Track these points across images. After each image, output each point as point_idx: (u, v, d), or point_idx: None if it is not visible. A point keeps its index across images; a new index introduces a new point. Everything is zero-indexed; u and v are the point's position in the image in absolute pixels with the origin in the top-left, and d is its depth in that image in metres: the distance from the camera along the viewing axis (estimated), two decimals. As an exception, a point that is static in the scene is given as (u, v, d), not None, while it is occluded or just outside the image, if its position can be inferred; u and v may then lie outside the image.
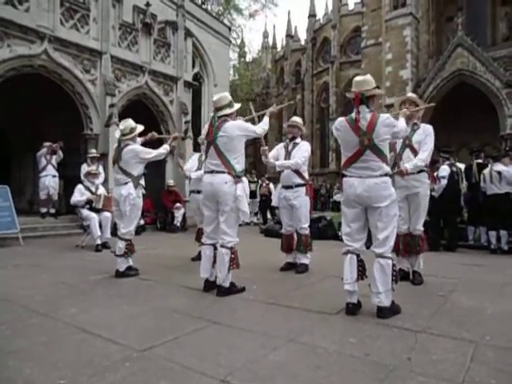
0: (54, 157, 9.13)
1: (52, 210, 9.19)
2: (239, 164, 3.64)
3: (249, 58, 38.39)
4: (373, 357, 2.21)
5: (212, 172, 3.62)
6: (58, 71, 9.19)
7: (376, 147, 2.95)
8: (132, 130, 4.59)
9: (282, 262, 4.92)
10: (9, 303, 3.34)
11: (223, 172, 3.57)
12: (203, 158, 4.11)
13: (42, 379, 1.96)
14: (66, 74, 9.33)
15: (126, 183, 4.44)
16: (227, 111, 3.69)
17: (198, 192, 5.01)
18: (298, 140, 4.79)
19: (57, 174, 9.12)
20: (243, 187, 3.61)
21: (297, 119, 5.01)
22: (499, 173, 6.52)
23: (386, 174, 2.98)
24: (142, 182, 4.86)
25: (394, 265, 3.00)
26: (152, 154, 4.53)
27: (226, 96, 3.78)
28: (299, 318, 2.93)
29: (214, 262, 3.66)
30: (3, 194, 7.36)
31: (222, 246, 3.58)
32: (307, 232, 4.79)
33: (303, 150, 4.67)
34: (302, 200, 4.68)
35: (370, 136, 2.94)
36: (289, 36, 36.70)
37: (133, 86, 10.84)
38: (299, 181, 4.70)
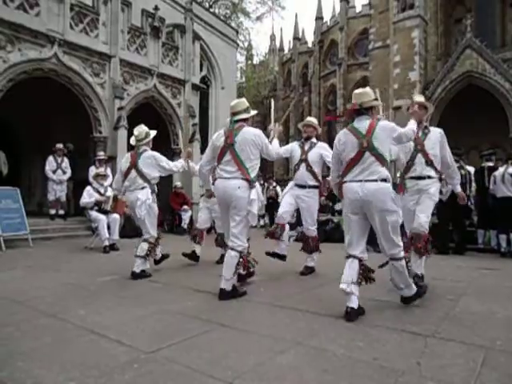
0: (65, 159, 9.23)
1: (61, 212, 9.28)
2: (254, 169, 3.64)
3: (256, 60, 38.49)
4: (381, 361, 2.19)
5: (227, 178, 3.59)
6: (67, 75, 9.30)
7: (375, 150, 2.97)
8: (147, 134, 4.69)
9: (289, 265, 4.91)
10: (18, 304, 3.37)
11: (236, 178, 3.56)
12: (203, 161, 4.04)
13: (51, 380, 1.97)
14: (75, 77, 9.44)
15: (143, 188, 4.51)
16: (243, 116, 3.72)
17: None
18: (314, 140, 4.82)
19: (65, 176, 9.21)
20: (256, 192, 3.63)
21: (312, 119, 5.04)
22: None
23: (385, 180, 2.98)
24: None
25: (407, 263, 3.19)
26: (170, 165, 4.68)
27: (244, 102, 3.82)
28: (307, 321, 2.91)
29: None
30: (13, 195, 7.45)
31: (231, 249, 3.57)
32: (314, 234, 4.77)
33: (329, 154, 4.36)
34: (312, 201, 4.69)
35: (370, 138, 2.98)
36: (296, 38, 36.73)
37: (141, 89, 10.93)
38: (313, 182, 4.71)
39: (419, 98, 4.15)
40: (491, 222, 6.97)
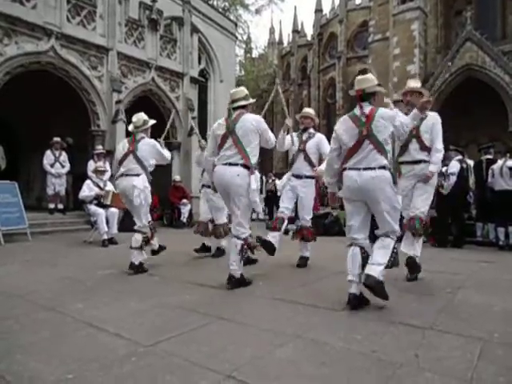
0: (63, 153, 9.21)
1: (60, 206, 9.28)
2: (254, 156, 3.68)
3: (255, 53, 38.25)
4: (379, 354, 2.20)
5: (226, 164, 3.62)
6: (65, 68, 9.24)
7: (374, 137, 2.96)
8: (145, 122, 4.67)
9: (289, 258, 4.92)
10: (16, 298, 3.37)
11: (236, 164, 3.59)
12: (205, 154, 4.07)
13: (49, 373, 1.97)
14: (73, 70, 9.37)
15: (139, 175, 4.47)
16: (242, 102, 3.78)
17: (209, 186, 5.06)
18: (312, 130, 4.85)
19: (64, 170, 9.19)
20: (255, 179, 3.63)
21: (309, 110, 5.08)
22: (511, 169, 6.45)
23: (383, 167, 2.96)
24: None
25: (395, 247, 3.06)
26: (166, 153, 4.67)
27: (243, 90, 3.92)
28: (305, 315, 2.92)
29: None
30: (12, 190, 7.43)
31: (236, 237, 3.64)
32: (309, 224, 4.78)
33: (326, 146, 4.54)
34: (308, 192, 4.72)
35: (369, 126, 2.97)
36: (295, 31, 36.50)
37: (139, 82, 10.87)
38: (310, 173, 4.72)
39: (413, 84, 4.06)
40: (489, 215, 6.98)
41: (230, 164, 3.59)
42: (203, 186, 5.54)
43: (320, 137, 4.81)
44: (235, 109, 3.77)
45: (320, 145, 4.71)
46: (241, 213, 3.63)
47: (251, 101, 3.89)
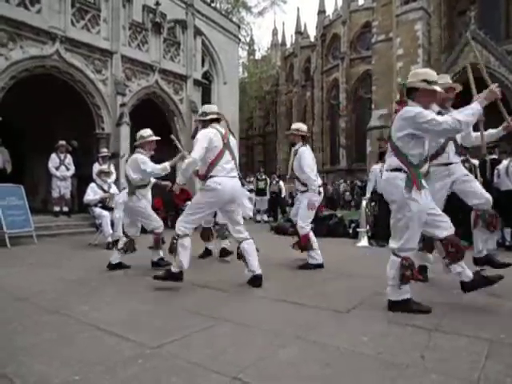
0: (68, 156, 9.26)
1: (65, 209, 9.32)
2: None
3: (258, 55, 38.35)
4: (385, 355, 2.19)
5: (231, 176, 3.76)
6: (69, 71, 9.30)
7: (391, 140, 2.91)
8: (140, 137, 4.74)
9: (293, 260, 4.92)
10: (21, 300, 3.39)
11: (237, 177, 3.82)
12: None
13: (55, 375, 1.98)
14: (77, 74, 9.44)
15: (124, 188, 4.62)
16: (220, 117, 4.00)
17: None
18: (297, 146, 4.90)
19: (69, 173, 9.25)
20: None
21: (293, 126, 5.13)
22: None
23: (395, 169, 2.86)
24: (147, 192, 4.89)
25: (403, 264, 2.87)
26: (148, 167, 4.50)
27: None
28: (310, 316, 2.91)
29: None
30: (18, 192, 7.48)
31: (245, 241, 3.82)
32: (302, 232, 4.73)
33: (304, 164, 4.68)
34: (303, 201, 4.80)
35: (391, 129, 2.94)
36: (298, 33, 36.55)
37: (143, 85, 10.92)
38: (303, 188, 4.85)
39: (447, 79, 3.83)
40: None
41: (234, 176, 3.81)
42: None
43: (300, 152, 4.79)
44: (213, 121, 3.89)
45: (300, 161, 4.76)
46: (242, 219, 3.94)
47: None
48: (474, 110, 2.83)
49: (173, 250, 3.66)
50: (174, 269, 3.66)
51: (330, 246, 5.69)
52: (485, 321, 2.75)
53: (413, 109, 2.78)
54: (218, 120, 3.91)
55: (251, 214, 4.05)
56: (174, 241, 3.64)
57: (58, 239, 7.85)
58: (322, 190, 4.99)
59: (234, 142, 3.93)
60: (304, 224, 4.73)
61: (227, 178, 3.69)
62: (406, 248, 2.89)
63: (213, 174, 3.69)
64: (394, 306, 2.94)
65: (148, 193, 4.89)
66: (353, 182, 22.68)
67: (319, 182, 4.93)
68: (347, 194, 21.64)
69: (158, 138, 4.81)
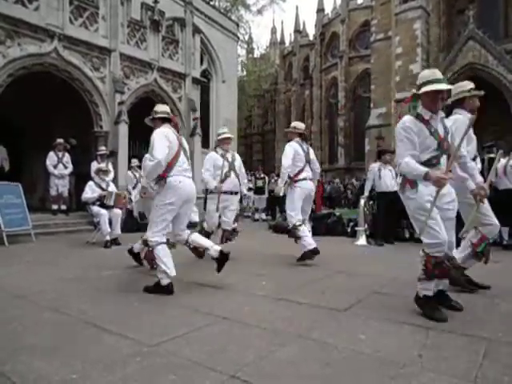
0: (66, 154, 9.24)
1: (63, 207, 9.31)
2: None
3: (257, 53, 38.28)
4: (383, 354, 2.20)
5: (188, 176, 3.75)
6: (67, 69, 9.27)
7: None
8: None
9: (291, 258, 4.93)
10: (20, 299, 3.39)
11: (191, 177, 3.81)
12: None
13: (54, 373, 1.98)
14: (75, 71, 9.40)
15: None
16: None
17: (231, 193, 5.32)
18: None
19: (67, 171, 9.22)
20: None
21: (291, 124, 5.40)
22: None
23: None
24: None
25: (427, 261, 2.79)
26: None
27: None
28: (308, 315, 2.92)
29: None
30: (15, 191, 7.46)
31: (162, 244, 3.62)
32: (289, 222, 4.95)
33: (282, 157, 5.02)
34: (287, 193, 5.07)
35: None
36: (297, 31, 36.51)
37: (141, 83, 10.90)
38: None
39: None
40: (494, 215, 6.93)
41: (190, 177, 3.77)
42: (211, 192, 5.46)
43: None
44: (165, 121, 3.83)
45: None
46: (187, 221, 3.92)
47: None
48: (418, 171, 2.73)
49: (151, 263, 3.66)
50: (162, 281, 3.50)
51: (328, 245, 5.70)
52: (482, 320, 2.77)
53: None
54: (168, 120, 3.82)
55: (196, 218, 4.06)
56: (148, 252, 3.57)
57: (56, 237, 7.83)
58: (310, 182, 5.05)
59: (186, 144, 3.91)
60: (290, 213, 4.96)
61: (185, 177, 3.68)
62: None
63: (171, 174, 3.57)
64: (416, 300, 2.94)
65: None
66: (345, 180, 22.63)
67: (310, 174, 5.05)
68: (349, 192, 21.59)
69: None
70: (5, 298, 3.42)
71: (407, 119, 2.89)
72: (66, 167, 9.22)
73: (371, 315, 2.87)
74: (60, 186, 9.15)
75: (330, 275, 4.30)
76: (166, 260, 3.51)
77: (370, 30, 24.94)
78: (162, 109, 3.93)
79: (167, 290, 3.49)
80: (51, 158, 9.07)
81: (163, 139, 3.53)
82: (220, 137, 5.43)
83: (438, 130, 2.86)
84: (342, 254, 5.96)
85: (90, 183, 7.08)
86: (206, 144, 13.25)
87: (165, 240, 3.60)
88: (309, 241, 4.83)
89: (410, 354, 2.18)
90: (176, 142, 3.69)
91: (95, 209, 6.80)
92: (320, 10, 33.32)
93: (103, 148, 9.08)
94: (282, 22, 47.99)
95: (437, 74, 2.91)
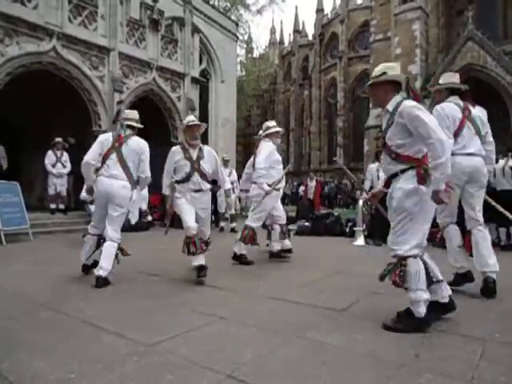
0: (64, 153, 9.22)
1: (61, 206, 9.29)
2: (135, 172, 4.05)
3: (256, 53, 38.26)
4: (380, 354, 2.20)
5: (109, 177, 3.90)
6: (66, 68, 9.26)
7: None
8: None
9: (289, 258, 4.93)
10: (18, 298, 3.38)
11: (119, 178, 3.91)
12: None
13: (51, 373, 1.98)
14: (74, 70, 9.39)
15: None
16: (133, 124, 4.13)
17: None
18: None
19: (65, 170, 9.21)
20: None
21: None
22: None
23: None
24: None
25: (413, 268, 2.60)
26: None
27: (136, 113, 4.29)
28: (306, 314, 2.92)
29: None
30: (13, 190, 7.44)
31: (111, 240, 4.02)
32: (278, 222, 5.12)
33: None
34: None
35: None
36: (296, 31, 36.51)
37: (140, 82, 10.89)
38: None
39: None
40: (491, 216, 6.95)
41: (116, 178, 3.90)
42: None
43: None
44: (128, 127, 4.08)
45: None
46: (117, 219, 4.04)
47: (139, 126, 4.22)
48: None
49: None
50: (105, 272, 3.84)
51: (326, 245, 5.71)
52: (479, 320, 2.78)
53: None
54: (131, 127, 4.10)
55: (133, 221, 4.19)
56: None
57: (54, 236, 7.82)
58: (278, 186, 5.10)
59: (130, 149, 3.97)
60: (278, 215, 5.10)
61: (105, 178, 3.89)
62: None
63: (99, 174, 3.97)
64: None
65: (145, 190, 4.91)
66: (340, 181, 22.58)
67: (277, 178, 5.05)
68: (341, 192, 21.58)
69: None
70: (2, 297, 3.41)
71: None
72: (64, 166, 9.21)
73: (368, 315, 2.87)
74: (58, 185, 9.14)
75: (329, 275, 4.30)
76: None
77: (369, 31, 24.95)
78: (130, 115, 4.21)
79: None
80: (50, 157, 9.06)
81: (97, 143, 4.04)
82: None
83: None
84: (340, 254, 5.97)
85: (89, 182, 7.07)
86: (204, 143, 13.22)
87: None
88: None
89: (407, 355, 2.18)
90: (110, 144, 3.96)
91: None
92: (319, 10, 33.33)
93: (102, 147, 9.05)
94: (282, 22, 48.02)
95: None
